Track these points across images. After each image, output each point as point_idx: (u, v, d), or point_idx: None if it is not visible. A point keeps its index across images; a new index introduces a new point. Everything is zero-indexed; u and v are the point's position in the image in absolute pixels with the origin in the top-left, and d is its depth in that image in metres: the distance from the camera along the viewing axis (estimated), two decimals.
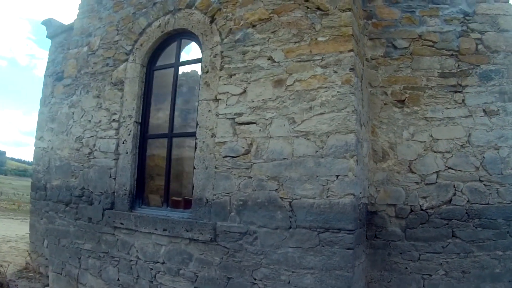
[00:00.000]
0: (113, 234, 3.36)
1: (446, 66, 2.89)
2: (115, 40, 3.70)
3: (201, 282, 2.79)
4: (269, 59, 2.76)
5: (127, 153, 3.39)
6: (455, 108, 2.83)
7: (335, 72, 2.53)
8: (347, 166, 2.40)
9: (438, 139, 2.82)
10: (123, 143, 3.43)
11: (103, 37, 3.82)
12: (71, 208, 3.79)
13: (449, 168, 2.77)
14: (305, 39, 2.66)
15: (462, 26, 2.92)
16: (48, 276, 4.19)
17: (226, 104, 2.87)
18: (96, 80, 3.82)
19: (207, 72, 3.03)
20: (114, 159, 3.45)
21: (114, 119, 3.54)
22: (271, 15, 2.82)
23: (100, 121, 3.66)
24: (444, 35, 2.94)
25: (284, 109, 2.64)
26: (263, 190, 2.61)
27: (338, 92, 2.50)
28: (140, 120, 3.45)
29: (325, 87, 2.54)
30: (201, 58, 3.22)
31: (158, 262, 3.03)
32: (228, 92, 2.88)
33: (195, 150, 2.96)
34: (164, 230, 2.97)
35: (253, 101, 2.76)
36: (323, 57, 2.58)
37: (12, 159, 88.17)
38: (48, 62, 5.27)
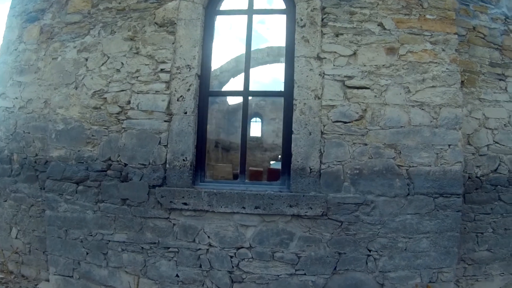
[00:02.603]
0: (167, 218, 2.49)
1: (493, 57, 3.23)
2: None
3: (306, 263, 2.36)
4: (379, 25, 2.50)
5: (185, 113, 2.52)
6: (500, 93, 3.19)
7: (443, 50, 2.51)
8: (457, 137, 2.42)
9: (488, 118, 3.13)
10: (178, 100, 2.54)
11: None
12: (88, 188, 2.63)
13: (496, 142, 3.13)
14: (413, 13, 2.54)
15: (504, 25, 3.30)
16: (33, 279, 2.91)
17: (334, 65, 2.45)
18: (127, 18, 2.70)
19: (303, 26, 2.52)
20: (166, 121, 2.53)
21: (162, 69, 2.57)
22: None
23: (137, 71, 2.62)
24: (491, 31, 3.27)
25: (398, 77, 2.44)
26: (380, 158, 2.36)
27: (447, 69, 2.48)
28: (200, 73, 2.62)
29: (436, 63, 2.48)
30: (285, 9, 2.68)
31: (242, 248, 2.40)
32: (335, 52, 2.46)
33: (293, 112, 2.43)
34: (256, 207, 2.35)
35: (365, 65, 2.45)
36: (432, 34, 2.52)
37: None
38: None
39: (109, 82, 2.66)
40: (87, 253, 2.64)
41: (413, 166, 2.38)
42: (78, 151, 2.69)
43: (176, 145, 2.51)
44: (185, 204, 2.43)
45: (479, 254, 2.90)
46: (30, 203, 3.30)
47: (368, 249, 2.35)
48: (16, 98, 3.36)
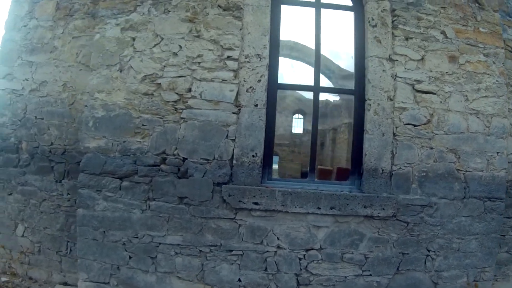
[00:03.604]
0: (233, 218, 2.26)
1: None
2: None
3: (372, 264, 2.33)
4: (442, 33, 2.55)
5: (256, 105, 2.31)
6: None
7: (494, 63, 2.65)
8: (504, 145, 2.59)
9: None
10: (247, 91, 2.31)
11: None
12: (136, 184, 2.26)
13: None
14: (469, 25, 2.64)
15: None
16: (44, 282, 2.53)
17: (405, 68, 2.44)
18: None
19: (375, 26, 2.47)
20: (234, 113, 2.29)
21: (229, 56, 2.32)
22: None
23: (199, 56, 2.31)
24: None
25: (458, 85, 2.53)
26: (443, 162, 2.43)
27: (497, 81, 2.63)
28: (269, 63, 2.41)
29: (488, 74, 2.62)
30: (352, 7, 2.60)
31: (312, 249, 2.29)
32: (406, 55, 2.46)
33: (367, 111, 2.37)
34: (332, 208, 2.25)
35: (431, 71, 2.48)
36: (485, 47, 2.65)
37: None
38: None
39: (164, 66, 2.32)
40: (130, 257, 2.29)
41: (468, 171, 2.50)
42: (124, 142, 2.30)
43: (245, 139, 2.29)
44: (256, 203, 2.23)
45: (499, 255, 3.15)
46: (42, 197, 2.84)
47: (428, 249, 2.41)
48: (26, 79, 2.80)
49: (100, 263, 2.31)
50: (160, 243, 2.27)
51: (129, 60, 2.35)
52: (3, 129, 2.89)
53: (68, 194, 2.86)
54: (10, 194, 2.91)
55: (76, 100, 2.83)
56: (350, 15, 2.65)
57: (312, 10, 2.57)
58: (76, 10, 2.78)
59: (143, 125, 2.30)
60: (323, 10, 2.62)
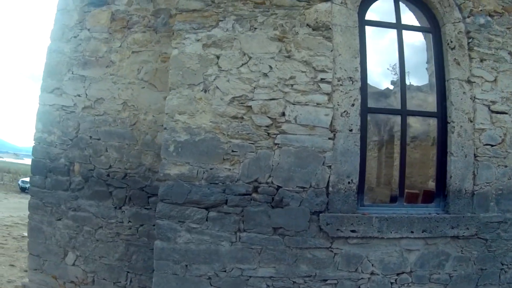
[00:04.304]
0: (328, 247, 2.18)
1: None
2: None
3: (455, 283, 2.38)
4: (509, 53, 2.63)
5: (351, 130, 2.22)
6: None
7: None
8: None
9: None
10: (341, 115, 2.22)
11: None
12: (225, 215, 2.10)
13: None
14: None
15: None
16: None
17: (482, 89, 2.49)
18: (270, 14, 2.20)
19: (453, 48, 2.48)
20: (330, 138, 2.19)
21: (323, 79, 2.20)
22: (502, 11, 2.68)
23: (292, 78, 2.17)
24: None
25: None
26: None
27: None
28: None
29: None
30: (429, 28, 2.59)
31: (403, 273, 2.28)
32: (482, 77, 2.50)
33: (450, 134, 2.39)
34: (423, 231, 2.26)
35: (503, 91, 2.56)
36: None
37: None
38: None
39: (254, 88, 2.16)
40: None
41: None
42: (211, 169, 2.12)
43: (341, 166, 2.21)
44: (353, 231, 2.17)
45: None
46: (98, 224, 2.62)
47: (502, 263, 2.52)
48: (79, 95, 2.52)
49: None
50: (250, 276, 2.14)
51: (214, 79, 2.15)
52: (51, 149, 2.59)
53: (130, 222, 2.65)
54: (59, 220, 2.66)
55: (138, 121, 2.59)
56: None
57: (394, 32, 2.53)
58: (134, 22, 2.50)
59: (233, 151, 2.13)
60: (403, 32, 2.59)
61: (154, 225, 2.51)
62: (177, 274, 2.14)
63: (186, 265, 2.14)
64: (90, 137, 2.56)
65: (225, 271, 2.15)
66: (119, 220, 2.57)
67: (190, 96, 2.14)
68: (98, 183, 2.56)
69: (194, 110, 2.14)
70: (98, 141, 2.55)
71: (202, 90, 2.14)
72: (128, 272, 2.65)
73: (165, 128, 2.15)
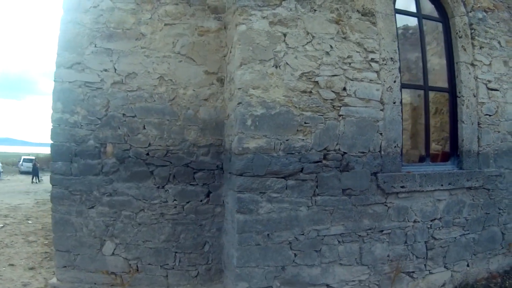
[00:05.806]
0: (384, 203, 2.55)
1: None
2: None
3: (470, 225, 2.95)
4: (498, 42, 3.27)
5: (394, 103, 2.60)
6: None
7: None
8: None
9: None
10: (387, 90, 2.57)
11: None
12: (302, 182, 2.32)
13: None
14: None
15: None
16: None
17: (481, 71, 3.07)
18: None
19: (461, 37, 3.01)
20: (381, 110, 2.52)
21: (372, 59, 2.53)
22: (494, 7, 3.31)
23: (349, 57, 2.45)
24: None
25: (510, 83, 3.29)
26: (506, 142, 3.19)
27: None
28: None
29: None
30: (439, 18, 3.09)
31: (435, 219, 2.76)
32: (481, 61, 3.09)
33: (457, 106, 2.94)
34: (449, 184, 2.75)
35: (495, 73, 3.19)
36: None
37: None
38: None
39: (319, 65, 2.39)
40: (295, 255, 2.35)
41: None
42: (287, 140, 2.31)
43: (389, 133, 2.57)
44: (402, 187, 2.56)
45: None
46: (139, 207, 2.55)
47: (499, 208, 3.16)
48: (106, 70, 2.43)
49: (262, 268, 2.29)
50: (325, 236, 2.40)
51: (283, 56, 2.33)
52: (76, 130, 2.42)
53: (175, 200, 2.61)
54: (92, 207, 2.49)
55: (178, 95, 2.56)
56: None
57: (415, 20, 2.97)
58: None
59: (305, 122, 2.34)
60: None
61: (202, 201, 2.50)
62: (259, 244, 2.28)
63: (268, 234, 2.30)
64: (124, 114, 2.45)
65: (303, 234, 2.37)
66: (163, 200, 2.52)
67: (263, 71, 2.29)
68: (137, 163, 2.46)
69: (267, 85, 2.29)
70: (134, 118, 2.46)
71: (273, 66, 2.31)
72: (176, 252, 2.62)
73: (239, 103, 2.26)
